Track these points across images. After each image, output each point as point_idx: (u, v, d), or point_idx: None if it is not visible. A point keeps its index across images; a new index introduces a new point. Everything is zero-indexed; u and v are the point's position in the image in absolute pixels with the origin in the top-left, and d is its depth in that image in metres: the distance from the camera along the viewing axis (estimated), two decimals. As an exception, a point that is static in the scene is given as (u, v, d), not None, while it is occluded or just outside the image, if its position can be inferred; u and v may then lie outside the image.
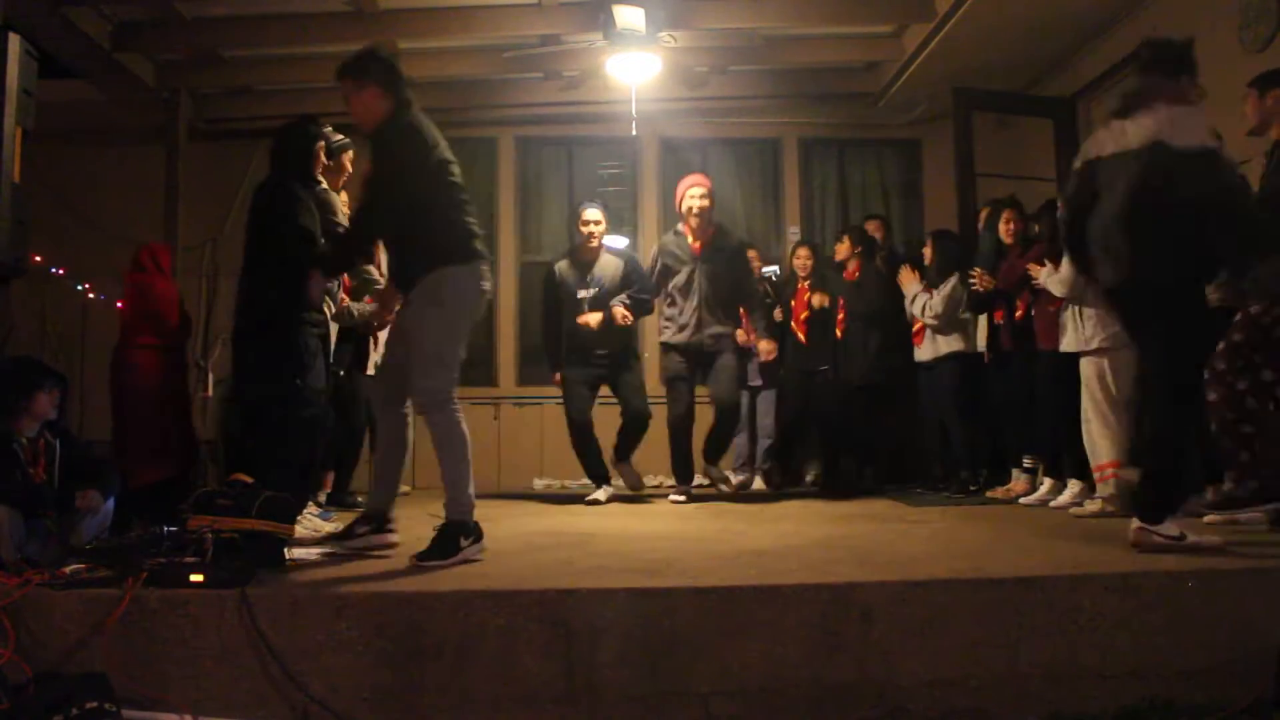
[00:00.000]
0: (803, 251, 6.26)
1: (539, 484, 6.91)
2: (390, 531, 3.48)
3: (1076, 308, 4.55)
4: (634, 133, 6.78)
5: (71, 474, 3.63)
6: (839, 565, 3.01)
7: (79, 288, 7.04)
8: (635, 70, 5.75)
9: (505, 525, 4.44)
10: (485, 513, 5.04)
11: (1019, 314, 5.05)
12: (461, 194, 3.41)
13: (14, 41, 3.27)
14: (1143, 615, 2.61)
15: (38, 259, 5.74)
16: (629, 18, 5.32)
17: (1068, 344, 4.60)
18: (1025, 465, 5.34)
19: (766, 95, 7.05)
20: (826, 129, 7.49)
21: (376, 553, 3.36)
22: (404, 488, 6.30)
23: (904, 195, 7.61)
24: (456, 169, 3.40)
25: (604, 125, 7.16)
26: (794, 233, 7.20)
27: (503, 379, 7.34)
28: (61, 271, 6.80)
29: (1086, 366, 4.52)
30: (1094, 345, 4.47)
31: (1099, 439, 4.46)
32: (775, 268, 6.66)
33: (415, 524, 4.52)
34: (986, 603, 2.60)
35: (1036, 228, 5.02)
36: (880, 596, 2.59)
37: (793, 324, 6.13)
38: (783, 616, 2.55)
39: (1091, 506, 4.40)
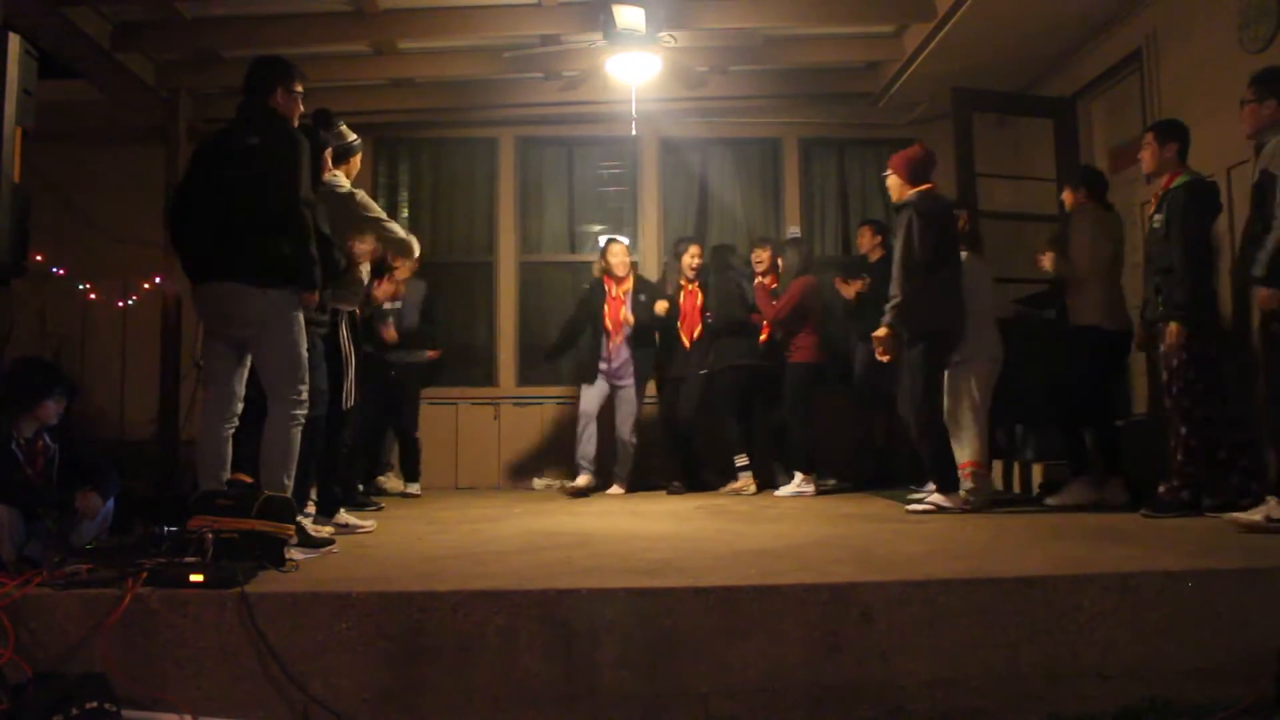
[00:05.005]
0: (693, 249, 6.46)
1: (539, 484, 6.91)
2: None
3: None
4: (634, 133, 6.77)
5: (70, 473, 3.63)
6: (839, 565, 3.01)
7: (79, 288, 7.04)
8: (635, 70, 5.74)
9: (505, 525, 4.44)
10: (485, 512, 5.08)
11: None
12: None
13: (14, 41, 3.27)
14: (1143, 615, 2.61)
15: (38, 259, 5.75)
16: (629, 18, 5.31)
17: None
18: None
19: (766, 95, 7.04)
20: (826, 129, 7.49)
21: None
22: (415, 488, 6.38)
23: (904, 195, 7.60)
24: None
25: (604, 125, 7.16)
26: (794, 232, 7.19)
27: (503, 379, 7.33)
28: (62, 271, 6.80)
29: (958, 378, 4.87)
30: (978, 358, 4.86)
31: (966, 440, 4.82)
32: None
33: (409, 523, 4.53)
34: (986, 603, 2.60)
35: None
36: (880, 596, 2.59)
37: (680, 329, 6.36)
38: (782, 616, 2.55)
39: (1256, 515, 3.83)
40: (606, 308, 6.14)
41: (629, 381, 6.17)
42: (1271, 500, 3.65)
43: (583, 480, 6.17)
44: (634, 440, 6.18)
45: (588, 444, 6.19)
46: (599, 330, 6.18)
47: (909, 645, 2.55)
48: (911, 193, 4.77)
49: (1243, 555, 3.06)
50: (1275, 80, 3.81)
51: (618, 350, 6.12)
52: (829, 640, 2.54)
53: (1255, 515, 3.66)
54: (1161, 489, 4.19)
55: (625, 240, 6.40)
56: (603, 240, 6.60)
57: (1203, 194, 4.21)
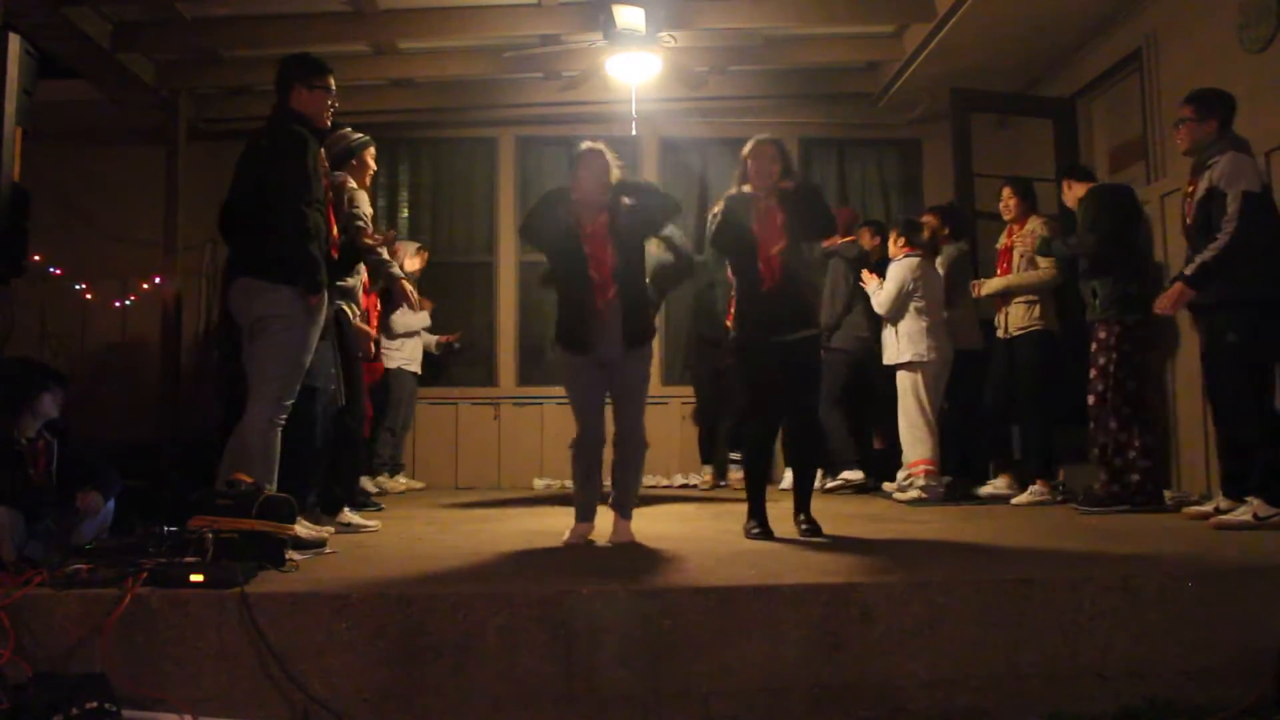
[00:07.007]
0: None
1: (539, 484, 6.91)
2: None
3: (893, 327, 5.25)
4: (634, 133, 6.78)
5: (70, 473, 3.63)
6: (839, 565, 3.01)
7: (77, 287, 7.04)
8: (635, 70, 5.74)
9: (505, 525, 4.45)
10: (485, 512, 5.08)
11: None
12: None
13: (14, 41, 3.27)
14: (1143, 615, 2.61)
15: (37, 259, 5.75)
16: (629, 18, 5.31)
17: (889, 358, 5.30)
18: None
19: (766, 95, 7.05)
20: (826, 129, 7.49)
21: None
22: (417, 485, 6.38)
23: (904, 195, 7.60)
24: None
25: (604, 125, 7.12)
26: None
27: (503, 379, 7.34)
28: (59, 271, 6.80)
29: (902, 379, 5.18)
30: (904, 359, 5.15)
31: (913, 441, 5.09)
32: None
33: (409, 523, 4.53)
34: (986, 603, 2.60)
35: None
36: (880, 596, 2.59)
37: None
38: (783, 616, 2.55)
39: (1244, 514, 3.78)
40: (586, 247, 3.67)
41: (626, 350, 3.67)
42: (1254, 500, 3.72)
43: (582, 530, 3.65)
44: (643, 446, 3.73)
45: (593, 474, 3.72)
46: (579, 281, 3.66)
47: (909, 645, 2.55)
48: (840, 242, 5.85)
49: (1242, 555, 3.06)
50: (1215, 101, 3.98)
51: (610, 309, 3.62)
52: (829, 640, 2.54)
53: (1243, 515, 3.71)
54: (1136, 478, 4.49)
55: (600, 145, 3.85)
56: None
57: (1110, 197, 4.73)
